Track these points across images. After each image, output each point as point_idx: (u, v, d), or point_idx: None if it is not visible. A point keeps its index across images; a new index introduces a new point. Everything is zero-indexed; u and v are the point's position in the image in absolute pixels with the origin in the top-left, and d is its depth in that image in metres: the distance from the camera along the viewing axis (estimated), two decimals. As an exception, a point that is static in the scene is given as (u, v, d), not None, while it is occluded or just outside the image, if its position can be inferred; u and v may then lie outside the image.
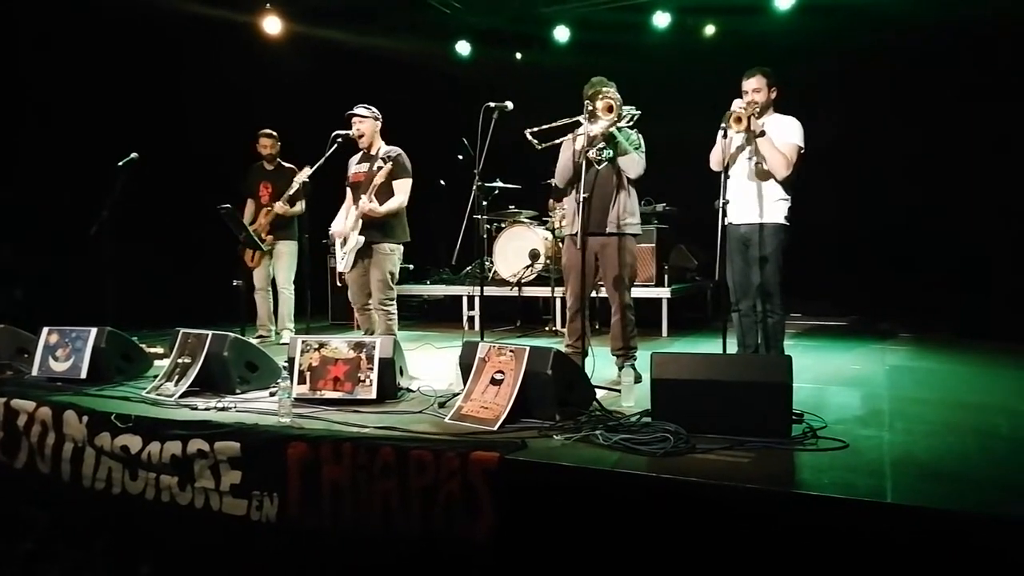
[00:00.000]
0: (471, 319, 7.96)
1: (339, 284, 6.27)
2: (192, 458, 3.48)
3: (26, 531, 3.93)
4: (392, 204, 5.38)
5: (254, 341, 5.16)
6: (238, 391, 4.32)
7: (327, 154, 5.67)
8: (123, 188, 5.83)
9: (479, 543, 2.91)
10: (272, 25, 8.52)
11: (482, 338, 4.80)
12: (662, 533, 2.73)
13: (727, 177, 4.49)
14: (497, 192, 8.29)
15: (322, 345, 4.19)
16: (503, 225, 8.13)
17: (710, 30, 9.11)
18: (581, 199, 4.51)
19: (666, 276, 7.48)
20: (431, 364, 5.45)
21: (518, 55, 10.19)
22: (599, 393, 3.99)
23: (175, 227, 7.61)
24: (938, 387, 4.75)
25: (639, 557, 2.74)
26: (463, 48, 9.98)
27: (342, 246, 5.53)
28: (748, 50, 7.88)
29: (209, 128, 7.76)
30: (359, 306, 5.64)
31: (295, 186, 6.31)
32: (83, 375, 4.58)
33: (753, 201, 4.69)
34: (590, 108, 4.52)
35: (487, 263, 7.93)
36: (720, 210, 4.34)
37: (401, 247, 5.54)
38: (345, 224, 5.50)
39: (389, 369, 4.16)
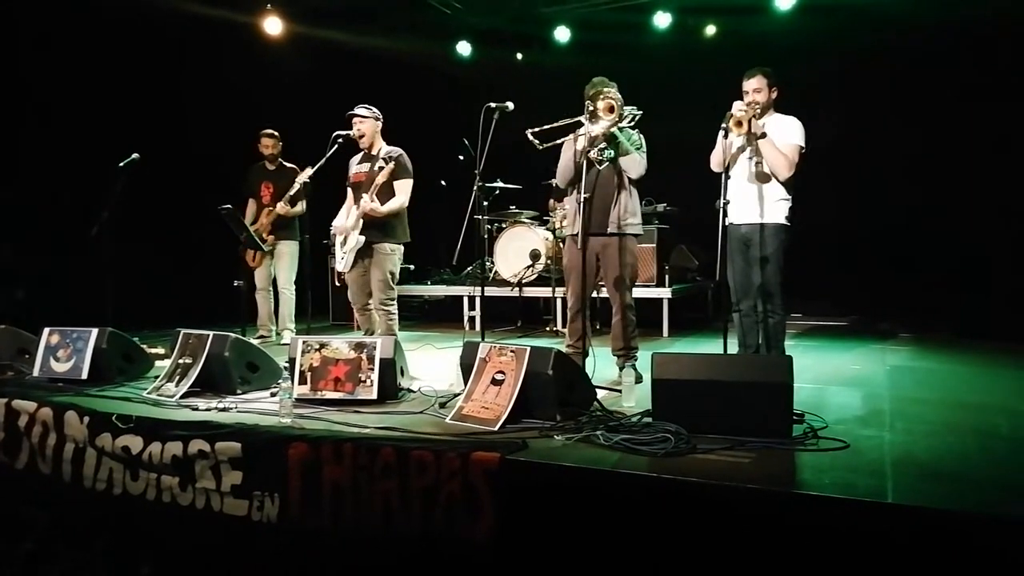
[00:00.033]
0: (472, 319, 7.97)
1: (338, 284, 6.27)
2: (193, 459, 3.48)
3: (26, 531, 3.93)
4: (393, 204, 5.38)
5: (255, 341, 5.16)
6: (239, 391, 4.32)
7: (328, 154, 5.68)
8: (124, 188, 5.83)
9: (480, 543, 2.91)
10: (273, 26, 8.52)
11: (483, 338, 4.79)
12: (663, 533, 2.73)
13: (727, 177, 4.49)
14: (498, 192, 8.29)
15: (323, 345, 4.19)
16: (504, 225, 8.13)
17: (711, 30, 9.11)
18: (582, 199, 4.51)
19: (667, 276, 7.48)
20: (432, 364, 5.45)
21: (519, 55, 10.19)
22: (600, 393, 3.99)
23: (176, 227, 7.61)
24: (938, 387, 4.75)
25: (640, 557, 2.75)
26: (464, 48, 9.99)
27: (342, 246, 5.53)
28: (749, 50, 7.88)
29: (210, 128, 7.76)
30: (359, 306, 5.64)
31: (296, 186, 6.31)
32: (84, 376, 4.58)
33: (754, 201, 4.69)
34: (591, 108, 4.52)
35: (488, 263, 7.94)
36: (721, 210, 4.35)
37: (401, 247, 5.55)
38: (346, 223, 5.51)
39: (390, 369, 4.16)
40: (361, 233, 5.39)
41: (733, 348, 4.72)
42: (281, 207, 6.59)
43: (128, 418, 3.74)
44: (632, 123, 4.68)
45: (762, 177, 4.65)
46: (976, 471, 2.94)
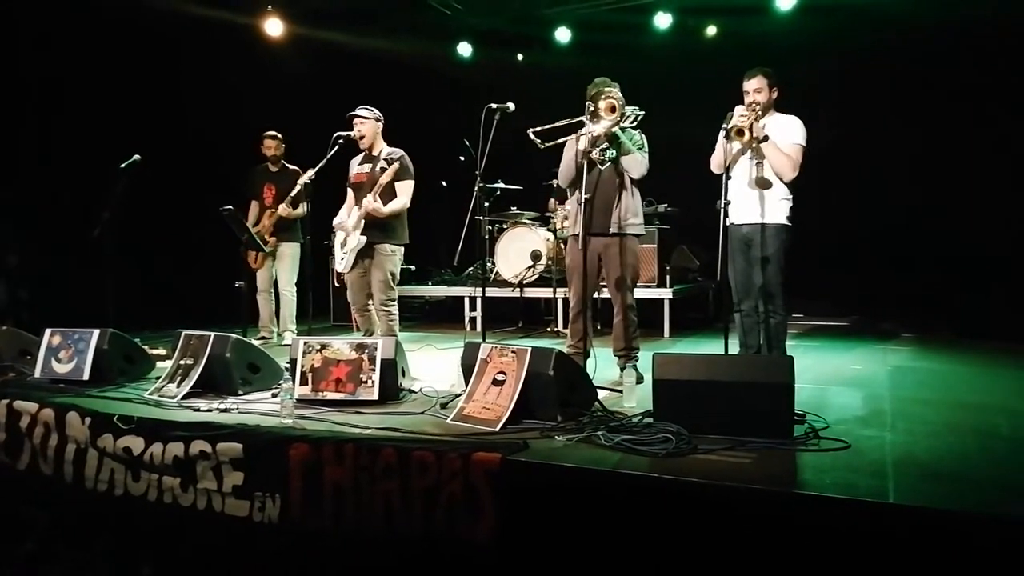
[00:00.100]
0: (473, 320, 7.97)
1: (337, 285, 6.28)
2: (194, 459, 3.48)
3: (27, 532, 3.94)
4: (395, 205, 5.40)
5: (256, 342, 5.17)
6: (240, 392, 4.32)
7: (328, 155, 5.69)
8: (125, 189, 5.84)
9: (481, 544, 2.92)
10: (273, 27, 8.53)
11: (484, 339, 4.80)
12: (664, 534, 2.73)
13: (728, 178, 4.49)
14: (499, 193, 8.30)
15: (324, 346, 4.19)
16: (505, 226, 8.14)
17: (711, 31, 9.11)
18: (582, 199, 4.51)
19: (668, 277, 7.48)
20: (433, 365, 5.45)
21: (519, 56, 10.19)
22: (601, 394, 3.99)
23: (177, 228, 7.61)
24: (939, 387, 4.75)
25: (641, 558, 2.75)
26: (464, 49, 9.98)
27: (342, 247, 5.54)
28: (749, 50, 7.88)
29: (210, 129, 7.77)
30: (358, 307, 5.65)
31: (297, 188, 6.31)
32: (86, 376, 4.58)
33: (755, 201, 4.68)
34: (591, 109, 4.52)
35: (489, 264, 7.94)
36: (722, 211, 4.35)
37: (402, 248, 5.57)
38: (347, 223, 5.52)
39: (391, 370, 4.16)
40: (362, 233, 5.40)
41: (734, 348, 4.72)
42: (283, 209, 6.59)
43: (129, 419, 3.74)
44: (634, 123, 4.69)
45: (761, 182, 4.64)
46: (977, 471, 2.94)
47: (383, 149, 5.56)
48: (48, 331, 4.80)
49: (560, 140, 4.74)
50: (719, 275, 4.46)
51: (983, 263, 7.60)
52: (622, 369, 4.64)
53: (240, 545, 3.41)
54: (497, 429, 3.46)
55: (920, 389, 4.68)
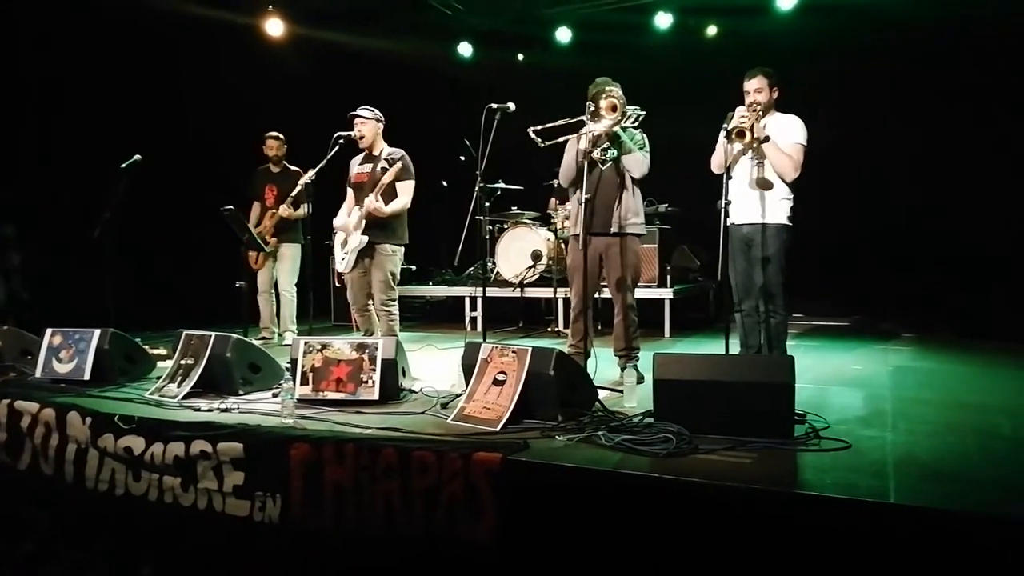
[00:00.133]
0: (473, 320, 7.97)
1: (338, 285, 6.28)
2: (195, 459, 3.48)
3: (27, 532, 3.94)
4: (396, 205, 5.42)
5: (257, 342, 5.17)
6: (241, 392, 4.33)
7: (329, 155, 5.69)
8: (126, 190, 5.84)
9: (481, 544, 2.92)
10: (274, 27, 8.53)
11: (484, 339, 4.80)
12: (665, 534, 2.73)
13: (729, 178, 4.49)
14: (499, 193, 8.30)
15: (325, 346, 4.19)
16: (505, 226, 8.14)
17: (712, 31, 9.11)
18: (583, 199, 4.52)
19: (668, 277, 7.48)
20: (433, 365, 5.45)
21: (520, 56, 10.20)
22: (601, 394, 3.99)
23: (178, 228, 7.62)
24: (940, 387, 4.76)
25: (642, 558, 2.75)
26: (465, 49, 9.99)
27: (343, 247, 5.54)
28: (750, 50, 7.89)
29: (211, 129, 7.77)
30: (358, 307, 5.65)
31: (298, 188, 6.32)
32: (86, 376, 4.59)
33: (755, 201, 4.68)
34: (591, 109, 4.52)
35: (489, 264, 7.94)
36: (722, 211, 4.35)
37: (402, 249, 5.58)
38: (348, 223, 5.52)
39: (391, 370, 4.16)
40: (363, 233, 5.41)
41: (735, 348, 4.72)
42: (284, 210, 6.59)
43: (130, 419, 3.75)
44: (636, 123, 4.69)
45: (762, 183, 4.64)
46: (978, 471, 2.94)
47: (384, 149, 5.57)
48: (49, 331, 4.80)
49: (560, 139, 4.74)
50: (720, 275, 4.46)
51: (983, 263, 7.60)
52: (623, 369, 4.64)
53: (241, 545, 3.41)
54: (498, 429, 3.46)
55: (921, 389, 4.69)
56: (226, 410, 3.96)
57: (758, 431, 3.23)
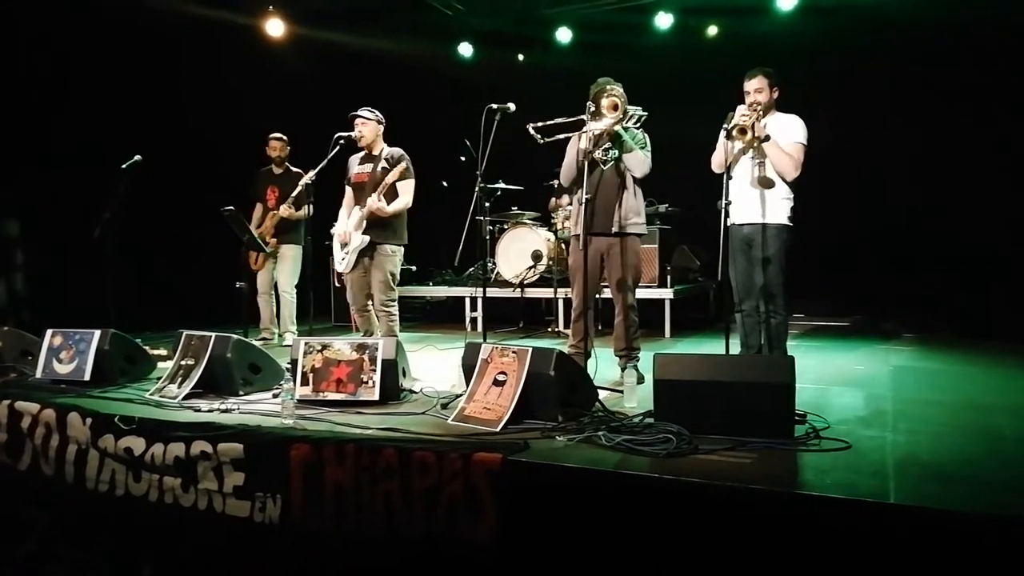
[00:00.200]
0: (473, 320, 7.97)
1: (337, 285, 6.29)
2: (195, 460, 3.48)
3: (28, 532, 3.94)
4: (398, 204, 5.43)
5: (257, 343, 5.17)
6: (241, 393, 4.33)
7: (329, 156, 5.70)
8: (126, 190, 5.85)
9: (482, 544, 2.92)
10: (274, 27, 8.53)
11: (485, 339, 4.80)
12: (665, 534, 2.73)
13: (729, 178, 4.49)
14: (499, 193, 8.30)
15: (325, 347, 4.19)
16: (505, 226, 8.14)
17: (712, 31, 9.11)
18: (583, 199, 4.52)
19: (669, 277, 7.48)
20: (433, 365, 5.45)
21: (520, 57, 10.20)
22: (602, 394, 4.00)
23: (178, 229, 7.62)
24: (941, 387, 4.76)
25: (642, 558, 2.75)
26: (465, 50, 9.99)
27: (343, 246, 5.55)
28: (750, 51, 7.88)
29: (211, 129, 7.77)
30: (358, 307, 5.65)
31: (299, 189, 6.32)
32: (87, 377, 4.59)
33: (756, 201, 4.69)
34: (592, 109, 4.52)
35: (489, 264, 7.94)
36: (723, 211, 4.35)
37: (402, 249, 5.59)
38: (347, 224, 5.53)
39: (392, 370, 4.16)
40: (364, 232, 5.41)
41: (735, 349, 4.72)
42: (284, 210, 6.59)
43: (131, 419, 3.75)
44: (638, 124, 4.69)
45: (764, 182, 4.64)
46: (979, 471, 2.93)
47: (383, 149, 5.58)
48: (49, 332, 4.80)
49: (560, 136, 4.74)
50: (720, 275, 4.46)
51: (983, 263, 7.60)
52: (623, 369, 4.64)
53: (241, 545, 3.41)
54: (498, 429, 3.46)
55: (921, 389, 4.69)
56: (226, 411, 3.96)
57: (758, 431, 3.23)
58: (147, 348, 5.16)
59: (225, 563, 3.49)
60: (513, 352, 3.69)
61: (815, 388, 4.50)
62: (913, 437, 3.41)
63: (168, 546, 3.61)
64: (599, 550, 2.81)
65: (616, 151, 4.66)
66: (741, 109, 4.60)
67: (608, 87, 4.55)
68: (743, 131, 4.47)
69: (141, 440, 3.65)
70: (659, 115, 4.78)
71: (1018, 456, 3.22)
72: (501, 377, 3.67)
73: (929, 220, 7.93)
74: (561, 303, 7.48)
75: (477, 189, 5.31)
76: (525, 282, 7.77)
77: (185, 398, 4.18)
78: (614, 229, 4.72)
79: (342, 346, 4.19)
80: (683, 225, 8.28)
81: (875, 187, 8.39)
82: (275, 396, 4.19)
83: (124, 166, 5.90)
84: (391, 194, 5.40)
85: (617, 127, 4.56)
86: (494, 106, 4.93)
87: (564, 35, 9.46)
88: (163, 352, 5.26)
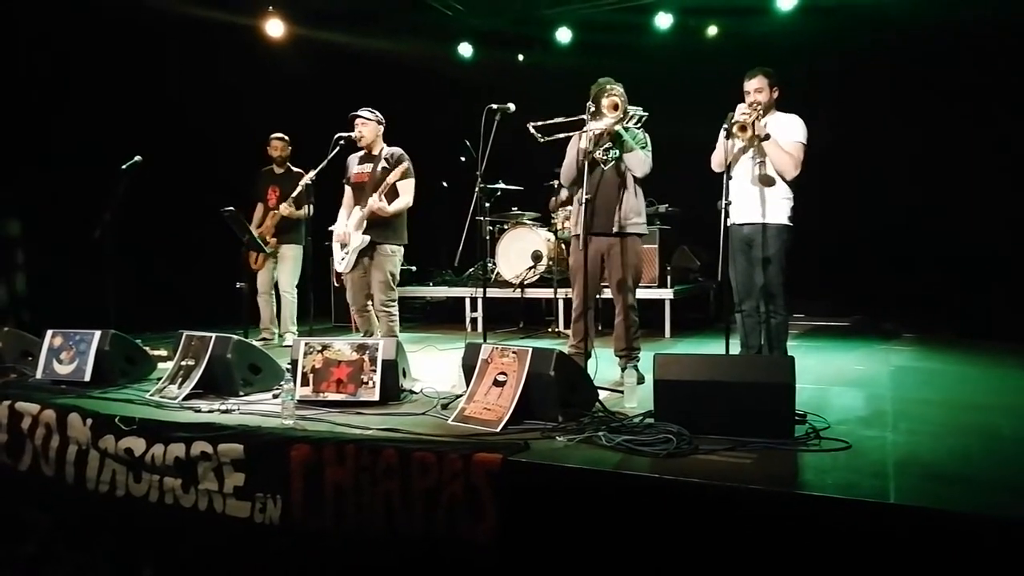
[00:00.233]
0: (474, 321, 7.97)
1: (337, 285, 6.29)
2: (196, 460, 3.48)
3: (28, 533, 3.94)
4: (400, 204, 5.44)
5: (257, 343, 5.17)
6: (241, 393, 4.33)
7: (329, 156, 5.70)
8: (126, 190, 5.85)
9: (482, 544, 2.92)
10: (274, 28, 8.53)
11: (485, 340, 4.80)
12: (665, 534, 2.73)
13: (729, 178, 4.49)
14: (499, 194, 8.30)
15: (325, 347, 4.19)
16: (505, 227, 8.14)
17: (712, 31, 9.12)
18: (584, 199, 4.52)
19: (669, 277, 7.49)
20: (434, 366, 5.45)
21: (520, 57, 10.20)
22: (602, 394, 4.00)
23: (178, 229, 7.62)
24: (941, 388, 4.75)
25: (642, 558, 2.75)
26: (465, 50, 10.00)
27: (343, 246, 5.55)
28: (750, 51, 7.88)
29: (211, 130, 7.77)
30: (358, 307, 5.66)
31: (299, 189, 6.32)
32: (87, 378, 4.59)
33: (756, 201, 4.69)
34: (592, 109, 4.53)
35: (490, 265, 7.94)
36: (723, 211, 4.35)
37: (402, 249, 5.59)
38: (347, 225, 5.53)
39: (392, 371, 4.16)
40: (365, 232, 5.41)
41: (735, 349, 4.72)
42: (284, 208, 6.59)
43: (131, 420, 3.75)
44: (639, 124, 4.69)
45: (765, 179, 4.65)
46: (979, 472, 2.94)
47: (383, 148, 5.58)
48: (49, 332, 4.80)
49: (560, 136, 4.74)
50: (720, 275, 4.46)
51: (983, 263, 7.60)
52: (623, 369, 4.64)
53: (241, 546, 3.41)
54: (498, 430, 3.46)
55: (921, 389, 4.68)
56: (227, 411, 3.96)
57: (758, 431, 3.23)
58: (147, 349, 5.17)
59: (225, 564, 3.49)
60: (513, 352, 3.69)
61: (815, 388, 4.50)
62: (913, 437, 3.40)
63: (168, 547, 3.61)
64: (599, 550, 2.81)
65: (617, 151, 4.67)
66: (741, 107, 4.61)
67: (608, 87, 4.56)
68: (743, 128, 4.47)
69: (141, 441, 3.65)
70: (659, 115, 4.78)
71: (1018, 456, 3.22)
72: (501, 377, 3.67)
73: (929, 220, 7.93)
74: (561, 303, 7.48)
75: (477, 189, 5.32)
76: (525, 282, 7.77)
77: (185, 399, 4.18)
78: (614, 229, 4.72)
79: (342, 346, 4.19)
80: (683, 225, 8.28)
81: (875, 187, 8.40)
82: (275, 397, 4.19)
83: (124, 167, 5.90)
84: (392, 194, 5.41)
85: (618, 127, 4.56)
86: (494, 106, 4.93)
87: (564, 35, 9.46)
88: (163, 353, 5.26)
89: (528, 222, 8.05)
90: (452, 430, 3.53)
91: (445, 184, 8.91)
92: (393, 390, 4.18)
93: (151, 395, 4.30)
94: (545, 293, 7.76)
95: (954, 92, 7.77)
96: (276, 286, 6.87)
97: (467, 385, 3.85)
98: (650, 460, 3.00)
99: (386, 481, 3.11)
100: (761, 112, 4.64)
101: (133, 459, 3.65)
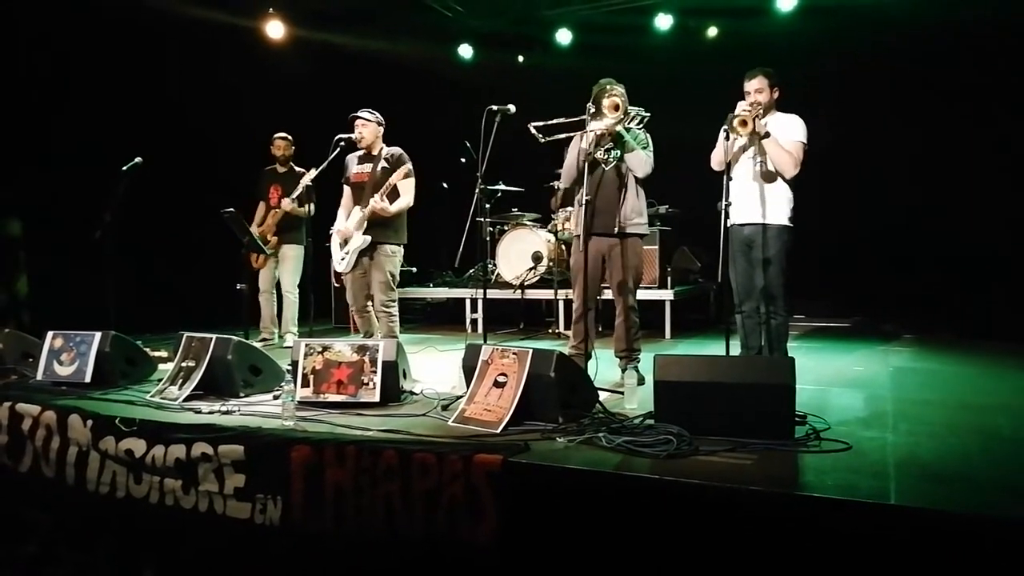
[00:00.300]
0: (474, 322, 7.97)
1: (337, 285, 6.29)
2: (196, 461, 3.48)
3: (29, 534, 3.94)
4: (401, 204, 5.45)
5: (257, 344, 5.17)
6: (242, 394, 4.33)
7: (330, 158, 5.71)
8: (126, 192, 5.85)
9: (482, 546, 2.92)
10: (274, 29, 8.54)
11: (485, 341, 4.80)
12: (665, 535, 2.73)
13: (730, 179, 4.49)
14: (500, 195, 8.30)
15: (325, 348, 4.19)
16: (506, 228, 8.14)
17: (712, 32, 9.12)
18: (584, 200, 4.52)
19: (669, 278, 7.49)
20: (434, 367, 5.45)
21: (520, 58, 10.20)
22: (602, 395, 4.00)
23: (178, 230, 7.62)
24: (941, 388, 4.75)
25: (642, 559, 2.75)
26: (465, 51, 10.00)
27: (342, 247, 5.55)
28: (750, 51, 7.89)
29: (211, 130, 7.78)
30: (358, 308, 5.66)
31: (300, 188, 6.32)
32: (87, 379, 4.59)
33: (756, 202, 4.69)
34: (592, 111, 4.53)
35: (490, 266, 7.94)
36: (723, 212, 4.35)
37: (401, 249, 5.60)
38: (348, 225, 5.53)
39: (392, 372, 4.16)
40: (365, 233, 5.41)
41: (735, 350, 4.72)
42: (287, 203, 6.58)
43: (131, 421, 3.75)
44: (640, 125, 4.69)
45: (767, 176, 4.66)
46: (979, 472, 2.93)
47: (382, 148, 5.59)
48: (50, 334, 4.80)
49: (561, 136, 4.74)
50: (720, 276, 4.46)
51: (983, 263, 7.61)
52: (623, 370, 4.64)
53: (242, 547, 3.41)
54: (498, 431, 3.46)
55: (921, 390, 4.68)
56: (227, 412, 3.96)
57: (759, 432, 3.22)
58: (148, 350, 5.17)
59: (226, 565, 3.49)
60: (513, 353, 3.69)
61: (815, 389, 4.49)
62: (913, 438, 3.40)
63: (169, 548, 3.61)
64: (600, 551, 2.81)
65: (618, 151, 4.67)
66: (742, 105, 4.62)
67: (609, 87, 4.56)
68: (744, 123, 4.47)
69: (142, 442, 3.65)
70: (659, 116, 4.78)
71: (1018, 457, 3.22)
72: (501, 379, 3.67)
73: (929, 220, 7.93)
74: (561, 304, 7.48)
75: (477, 191, 5.32)
76: (525, 283, 7.77)
77: (186, 400, 4.18)
78: (615, 230, 4.72)
79: (343, 348, 4.19)
80: (683, 226, 8.28)
81: (875, 187, 8.40)
82: (276, 398, 4.19)
83: (124, 168, 5.91)
84: (393, 194, 5.41)
85: (619, 127, 4.56)
86: (494, 108, 4.93)
87: (564, 36, 9.47)
88: (164, 354, 5.26)
89: (528, 223, 8.05)
90: (452, 431, 3.53)
91: (445, 185, 8.91)
92: (393, 391, 4.18)
93: (151, 396, 4.30)
94: (545, 294, 7.76)
95: (954, 92, 7.78)
96: (278, 286, 6.88)
97: (467, 386, 3.85)
98: (650, 461, 3.00)
99: (386, 482, 3.12)
100: (761, 112, 4.64)
101: (133, 460, 3.65)
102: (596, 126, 4.56)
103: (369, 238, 5.42)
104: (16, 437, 4.09)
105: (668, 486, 2.75)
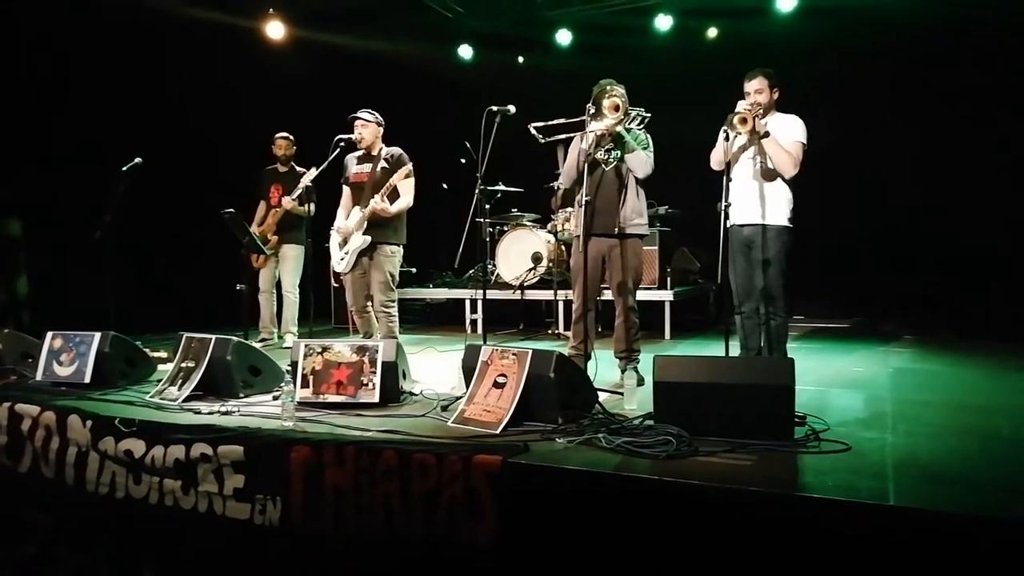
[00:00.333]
0: (474, 322, 7.96)
1: (336, 285, 6.29)
2: (195, 462, 3.48)
3: (29, 534, 3.94)
4: (401, 204, 5.45)
5: (257, 345, 5.17)
6: (241, 395, 4.33)
7: (330, 158, 5.70)
8: (126, 192, 5.85)
9: (482, 546, 2.92)
10: (275, 30, 8.54)
11: (485, 341, 4.80)
12: (665, 536, 2.73)
13: (729, 179, 4.49)
14: (499, 195, 8.30)
15: (325, 349, 4.19)
16: (505, 228, 8.13)
17: (712, 33, 9.12)
18: (583, 201, 4.52)
19: (669, 279, 7.48)
20: (434, 368, 5.45)
21: (520, 59, 10.20)
22: (602, 396, 4.00)
23: (178, 231, 7.63)
24: (940, 389, 4.75)
25: (642, 560, 2.75)
26: (465, 52, 10.00)
27: (341, 247, 5.55)
28: (750, 52, 7.88)
29: (211, 131, 7.78)
30: (357, 308, 5.65)
31: (300, 188, 6.32)
32: (87, 379, 4.59)
33: (756, 202, 4.69)
34: (592, 111, 4.53)
35: (489, 266, 7.94)
36: (723, 212, 4.35)
37: (401, 249, 5.59)
38: (348, 224, 5.53)
39: (392, 373, 4.16)
40: (365, 233, 5.41)
41: (735, 351, 4.72)
42: (288, 201, 6.57)
43: (131, 422, 3.75)
44: (640, 125, 4.69)
45: (767, 176, 4.66)
46: (978, 473, 2.94)
47: (381, 148, 5.59)
48: (50, 334, 4.81)
49: (561, 136, 4.74)
50: (720, 277, 4.46)
51: (983, 263, 7.61)
52: (623, 371, 4.64)
53: (241, 548, 3.41)
54: (498, 431, 3.47)
55: (921, 391, 4.68)
56: (226, 413, 3.96)
57: (758, 433, 3.22)
58: (147, 350, 5.17)
59: (225, 565, 3.49)
60: (513, 354, 3.69)
61: (815, 390, 4.49)
62: (913, 439, 3.40)
63: (169, 548, 3.62)
64: (599, 552, 2.81)
65: (618, 152, 4.67)
66: (742, 104, 4.62)
67: (610, 88, 4.57)
68: (744, 120, 4.47)
69: (141, 442, 3.65)
70: (659, 117, 4.78)
71: (1017, 457, 3.22)
72: (501, 379, 3.67)
73: (929, 220, 7.93)
74: (561, 305, 7.48)
75: (477, 191, 5.32)
76: (525, 284, 7.77)
77: (185, 400, 4.18)
78: (615, 230, 4.72)
79: (342, 348, 4.19)
80: (683, 227, 8.28)
81: (875, 187, 8.40)
82: (275, 398, 4.19)
83: (125, 168, 5.91)
84: (393, 194, 5.41)
85: (619, 128, 4.56)
86: (494, 108, 4.93)
87: (564, 37, 9.46)
88: (163, 354, 5.26)
89: (528, 224, 8.04)
90: (452, 432, 3.53)
91: (445, 186, 8.91)
92: (393, 392, 4.18)
93: (151, 397, 4.30)
94: (545, 295, 7.76)
95: (954, 92, 7.78)
96: (278, 286, 6.87)
97: (467, 387, 3.85)
98: (650, 462, 3.00)
99: (386, 483, 3.12)
100: (761, 112, 4.64)
101: (133, 461, 3.66)
102: (596, 127, 4.56)
103: (369, 238, 5.42)
104: (15, 437, 4.09)
105: (667, 487, 2.75)
